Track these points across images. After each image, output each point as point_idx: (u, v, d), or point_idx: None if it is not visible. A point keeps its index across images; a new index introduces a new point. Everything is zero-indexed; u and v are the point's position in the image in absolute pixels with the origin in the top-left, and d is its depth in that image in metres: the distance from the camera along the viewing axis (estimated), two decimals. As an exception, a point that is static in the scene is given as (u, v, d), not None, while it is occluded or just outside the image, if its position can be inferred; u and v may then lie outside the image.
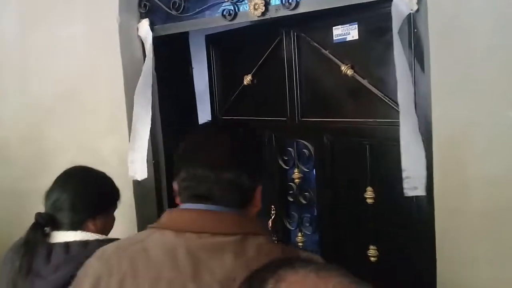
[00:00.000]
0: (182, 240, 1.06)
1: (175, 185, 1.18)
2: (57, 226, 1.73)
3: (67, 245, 1.67)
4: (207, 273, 1.02)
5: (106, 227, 1.83)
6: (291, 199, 2.52)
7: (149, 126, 2.36)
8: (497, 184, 1.59)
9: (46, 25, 2.74)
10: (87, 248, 1.63)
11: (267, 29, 2.40)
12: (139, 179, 2.23)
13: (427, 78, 1.71)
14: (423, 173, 1.70)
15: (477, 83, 1.59)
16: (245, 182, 1.12)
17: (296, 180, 2.45)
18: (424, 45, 1.71)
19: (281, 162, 2.51)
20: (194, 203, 1.12)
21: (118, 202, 1.91)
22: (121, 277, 1.06)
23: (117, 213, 2.32)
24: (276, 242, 1.15)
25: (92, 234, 1.73)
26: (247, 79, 2.55)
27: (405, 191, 1.74)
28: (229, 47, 2.75)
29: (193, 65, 2.92)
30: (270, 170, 2.52)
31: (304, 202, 2.45)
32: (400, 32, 1.74)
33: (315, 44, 2.20)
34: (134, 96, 2.36)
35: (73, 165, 1.90)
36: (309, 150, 2.37)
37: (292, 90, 2.34)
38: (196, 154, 1.15)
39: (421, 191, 1.71)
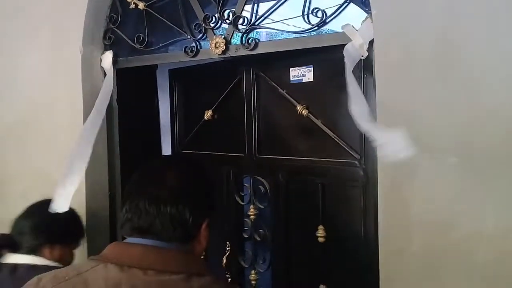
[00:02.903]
0: (127, 275, 1.03)
1: (122, 218, 1.18)
2: (16, 249, 1.81)
3: (15, 267, 1.74)
4: None
5: (62, 258, 1.87)
6: (246, 236, 2.52)
7: (86, 164, 2.23)
8: (437, 227, 1.63)
9: (9, 51, 2.74)
10: (34, 272, 1.64)
11: (229, 67, 2.47)
12: (59, 211, 2.18)
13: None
14: None
15: (420, 129, 1.65)
16: (187, 217, 1.11)
17: (252, 217, 2.46)
18: (372, 91, 1.78)
19: (237, 198, 2.52)
20: (138, 237, 1.11)
21: (80, 239, 2.00)
22: None
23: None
24: (222, 281, 1.11)
25: (44, 259, 1.80)
26: (208, 114, 2.60)
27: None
28: (192, 82, 2.80)
29: (159, 98, 2.95)
30: (226, 206, 2.53)
31: (258, 239, 2.45)
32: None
33: (273, 83, 2.27)
34: (83, 129, 2.31)
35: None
36: (265, 187, 2.39)
37: (250, 127, 2.39)
38: (140, 187, 1.15)
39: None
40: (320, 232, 2.13)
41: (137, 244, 1.10)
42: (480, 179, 1.56)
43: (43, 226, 1.87)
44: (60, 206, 2.18)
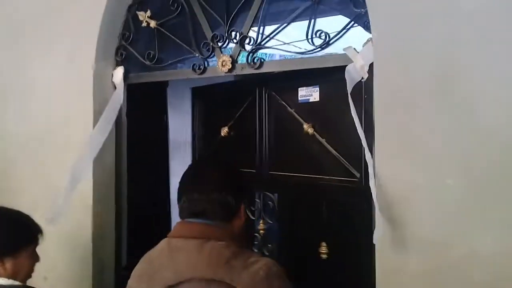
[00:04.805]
0: (173, 244, 1.42)
1: (179, 207, 1.50)
2: None
3: None
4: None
5: (20, 270, 1.75)
6: (256, 250, 2.54)
7: (85, 175, 2.43)
8: (434, 246, 1.65)
9: (24, 67, 2.82)
10: None
11: (244, 86, 2.57)
12: (53, 224, 2.24)
13: (373, 141, 1.81)
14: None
15: (418, 151, 1.69)
16: (230, 200, 1.45)
17: (261, 231, 2.51)
18: (371, 111, 1.82)
19: (248, 213, 2.56)
20: (194, 218, 1.44)
21: (32, 244, 1.80)
22: None
23: (73, 255, 2.32)
24: (236, 245, 1.37)
25: (3, 279, 1.69)
26: (224, 131, 2.69)
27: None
28: (211, 101, 2.91)
29: (170, 115, 3.02)
30: None
31: (266, 253, 2.48)
32: (354, 97, 1.85)
33: (283, 102, 2.34)
34: (89, 139, 2.43)
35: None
36: (273, 202, 2.45)
37: (261, 144, 2.47)
38: (192, 183, 1.49)
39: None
40: (323, 248, 2.16)
41: (189, 223, 1.44)
42: (477, 200, 1.59)
43: None
44: (54, 216, 2.30)
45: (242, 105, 2.59)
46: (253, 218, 2.56)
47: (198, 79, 2.43)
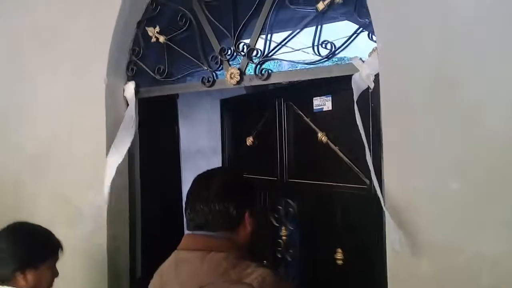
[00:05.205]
0: (181, 256, 1.47)
1: (185, 218, 1.55)
2: None
3: None
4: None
5: (40, 283, 1.81)
6: (279, 256, 2.60)
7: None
8: (444, 250, 1.67)
9: (33, 82, 2.86)
10: None
11: (265, 97, 2.65)
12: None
13: (381, 149, 1.84)
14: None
15: (425, 158, 1.70)
16: (232, 211, 1.47)
17: (284, 238, 2.55)
18: (379, 120, 1.84)
19: (272, 219, 2.62)
20: (198, 230, 1.49)
21: (53, 257, 1.87)
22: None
23: (89, 266, 2.35)
24: (234, 256, 1.40)
25: None
26: (249, 140, 2.76)
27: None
28: (238, 111, 3.01)
29: (182, 125, 3.07)
30: (264, 226, 2.60)
31: (289, 259, 2.53)
32: (361, 106, 1.88)
33: (300, 112, 2.39)
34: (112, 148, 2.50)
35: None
36: (294, 209, 2.49)
37: (282, 153, 2.52)
38: (195, 193, 1.52)
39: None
40: (339, 255, 2.18)
41: (194, 235, 1.49)
42: (484, 204, 1.61)
43: (9, 254, 1.78)
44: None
45: (264, 115, 2.65)
46: (277, 224, 2.59)
47: (216, 90, 2.47)
